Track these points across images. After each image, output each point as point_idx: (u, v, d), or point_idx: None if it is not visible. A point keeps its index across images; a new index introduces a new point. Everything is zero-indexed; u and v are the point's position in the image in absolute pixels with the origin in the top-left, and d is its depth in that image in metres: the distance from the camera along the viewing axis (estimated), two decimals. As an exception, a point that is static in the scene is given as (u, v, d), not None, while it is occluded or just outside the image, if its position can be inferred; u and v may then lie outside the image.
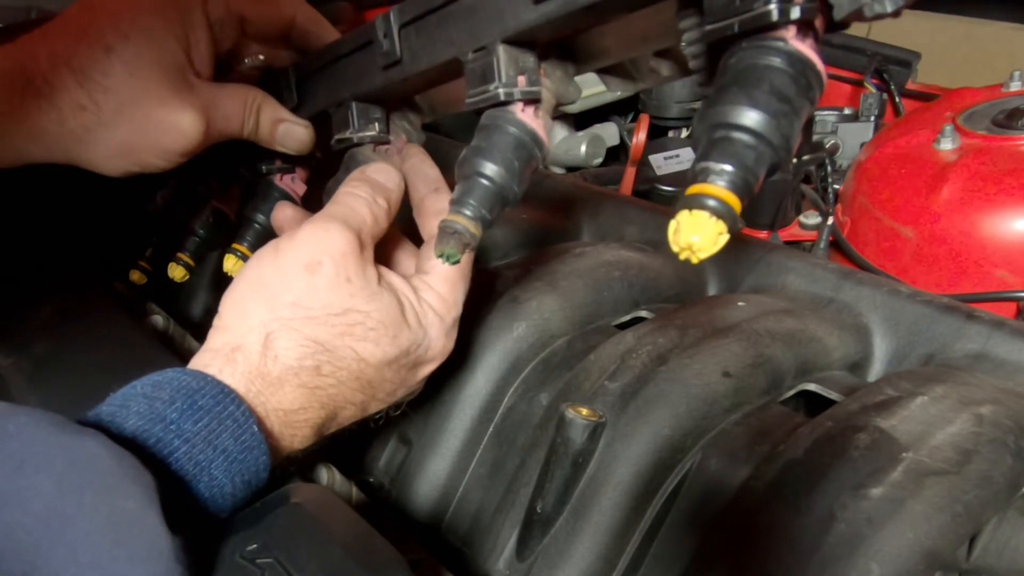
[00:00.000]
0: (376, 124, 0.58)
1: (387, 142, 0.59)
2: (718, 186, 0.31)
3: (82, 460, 0.36)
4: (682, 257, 0.32)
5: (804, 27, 0.32)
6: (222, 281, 0.86)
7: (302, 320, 0.48)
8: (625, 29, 0.46)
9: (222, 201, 0.73)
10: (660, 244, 0.74)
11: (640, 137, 1.06)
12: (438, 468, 0.62)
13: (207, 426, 0.42)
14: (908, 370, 0.58)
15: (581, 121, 1.28)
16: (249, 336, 0.47)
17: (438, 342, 0.53)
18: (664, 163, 1.14)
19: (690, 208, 0.31)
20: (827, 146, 1.08)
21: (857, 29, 0.69)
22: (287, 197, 0.67)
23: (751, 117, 0.32)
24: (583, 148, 1.18)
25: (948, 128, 0.84)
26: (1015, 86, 0.90)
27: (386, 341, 0.50)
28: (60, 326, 0.67)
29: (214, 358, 0.47)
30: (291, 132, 0.62)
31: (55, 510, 0.34)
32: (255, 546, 0.40)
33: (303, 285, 0.48)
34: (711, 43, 0.35)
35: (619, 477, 0.51)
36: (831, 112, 1.14)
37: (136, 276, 0.81)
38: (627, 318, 0.67)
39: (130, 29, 0.55)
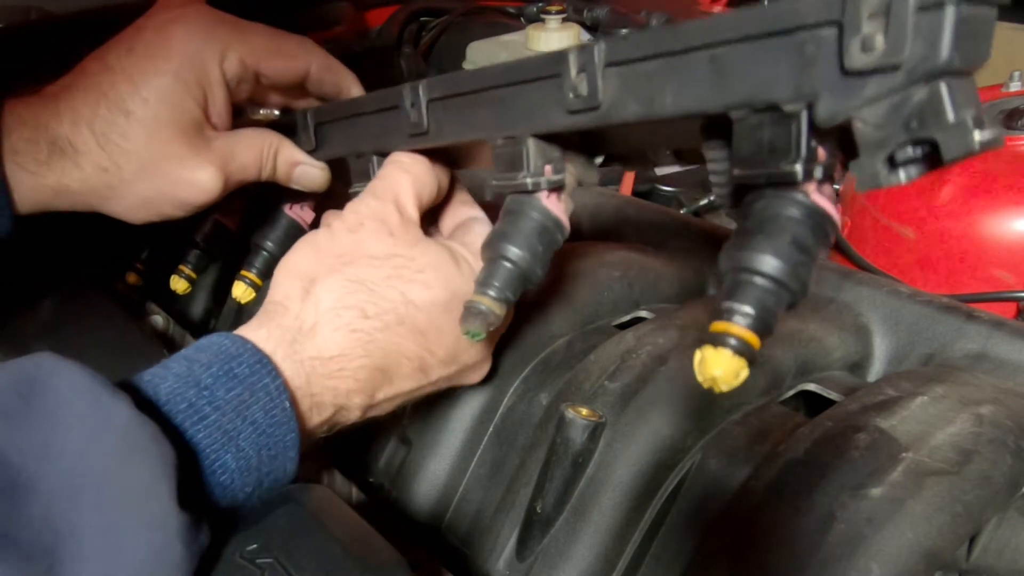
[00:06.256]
0: None
1: None
2: (740, 326, 0.34)
3: (109, 425, 0.37)
4: (705, 387, 0.35)
5: (824, 179, 0.35)
6: (222, 282, 0.87)
7: (345, 263, 0.49)
8: (651, 133, 0.48)
9: (224, 214, 0.73)
10: (660, 244, 0.74)
11: (640, 137, 1.06)
12: (438, 468, 0.62)
13: (239, 395, 0.43)
14: (908, 370, 0.58)
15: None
16: (293, 286, 0.49)
17: None
18: (664, 163, 1.14)
19: (715, 344, 0.34)
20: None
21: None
22: (296, 225, 0.69)
23: (773, 265, 0.34)
24: (583, 148, 1.18)
25: (948, 128, 0.84)
26: (1015, 86, 0.90)
27: (437, 283, 0.50)
28: (60, 326, 0.67)
29: (257, 318, 0.48)
30: (307, 174, 0.64)
31: (77, 470, 0.36)
32: (255, 546, 0.41)
33: (348, 240, 0.50)
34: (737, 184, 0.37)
35: (619, 477, 0.51)
36: (831, 112, 1.13)
37: (132, 278, 0.81)
38: (627, 318, 0.67)
39: (149, 93, 0.56)
